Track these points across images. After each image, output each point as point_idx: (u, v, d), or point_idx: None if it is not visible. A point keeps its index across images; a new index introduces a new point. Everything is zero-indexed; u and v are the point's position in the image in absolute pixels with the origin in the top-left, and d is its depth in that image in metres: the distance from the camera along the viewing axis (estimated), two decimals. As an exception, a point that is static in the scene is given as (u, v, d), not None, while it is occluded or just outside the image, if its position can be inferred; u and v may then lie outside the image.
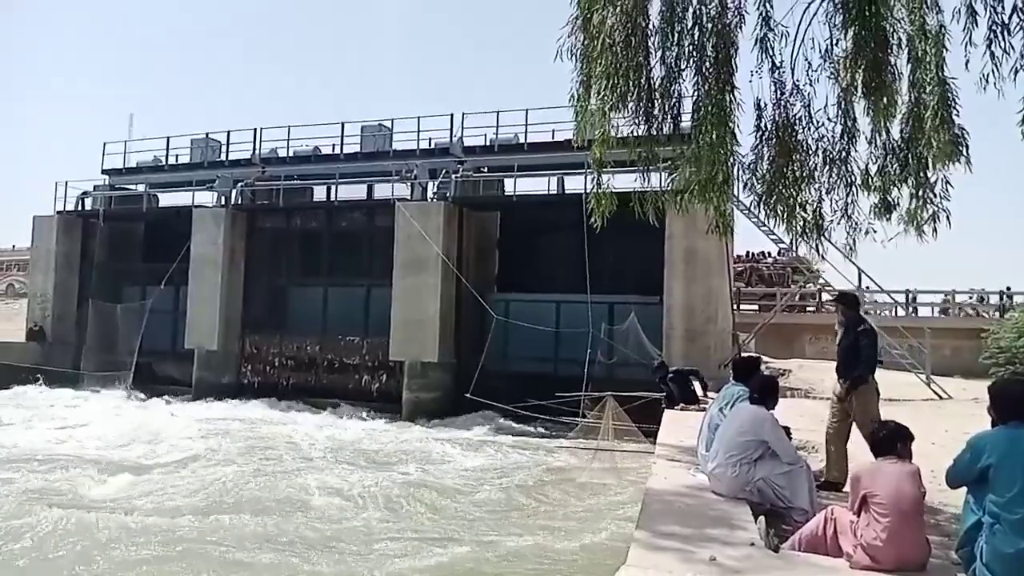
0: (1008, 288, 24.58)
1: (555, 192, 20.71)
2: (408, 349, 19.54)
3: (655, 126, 6.75)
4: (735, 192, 7.07)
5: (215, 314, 22.16)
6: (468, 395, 17.51)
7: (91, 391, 22.04)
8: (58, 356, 24.09)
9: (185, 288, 22.81)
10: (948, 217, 6.19)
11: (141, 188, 26.26)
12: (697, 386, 14.02)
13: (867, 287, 19.78)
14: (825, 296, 22.98)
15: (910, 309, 23.98)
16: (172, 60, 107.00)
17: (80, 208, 25.96)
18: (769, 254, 25.95)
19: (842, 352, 6.77)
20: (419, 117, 22.78)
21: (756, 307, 24.71)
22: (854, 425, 6.55)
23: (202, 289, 22.42)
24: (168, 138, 26.31)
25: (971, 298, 25.20)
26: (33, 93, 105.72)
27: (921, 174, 6.38)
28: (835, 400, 6.80)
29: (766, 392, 5.93)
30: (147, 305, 23.40)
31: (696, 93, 6.32)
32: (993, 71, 5.47)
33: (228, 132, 25.63)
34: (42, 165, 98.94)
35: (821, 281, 26.35)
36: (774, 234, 16.06)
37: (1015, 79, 5.24)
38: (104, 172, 26.70)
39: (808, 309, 25.16)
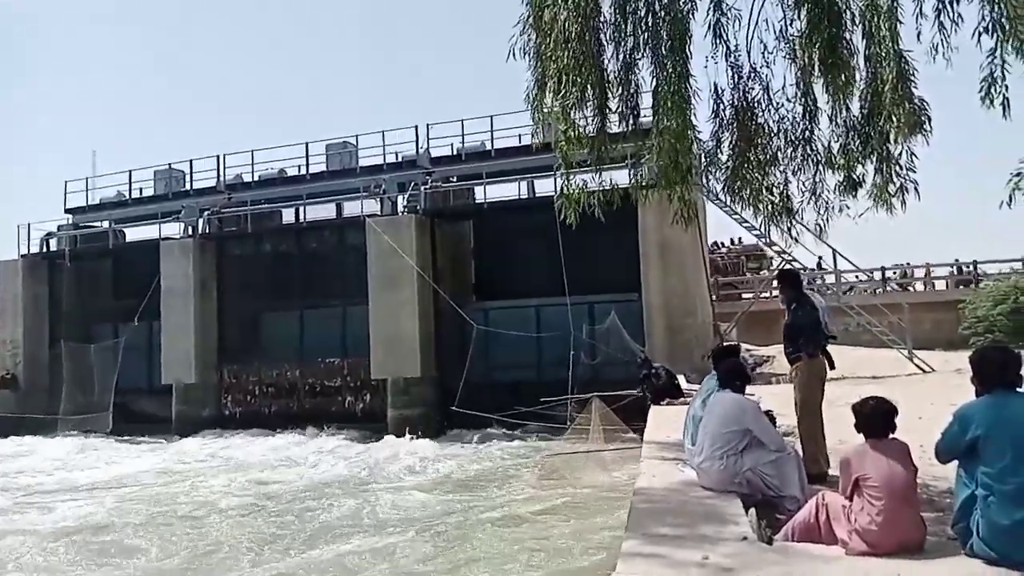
0: (975, 262, 24.72)
1: (526, 196, 20.64)
2: (389, 366, 19.32)
3: (614, 120, 6.64)
4: (701, 180, 6.96)
5: (190, 346, 21.81)
6: (454, 407, 17.33)
7: (68, 435, 21.50)
8: (33, 402, 23.55)
9: (158, 323, 22.45)
10: (916, 188, 6.10)
11: (106, 225, 25.82)
12: (681, 379, 13.96)
13: (840, 267, 19.88)
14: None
15: (887, 286, 24.11)
16: (131, 92, 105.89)
17: (45, 249, 25.49)
18: (723, 244, 26.06)
19: (783, 331, 6.54)
20: (383, 131, 22.65)
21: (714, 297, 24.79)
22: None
23: (175, 322, 22.05)
24: (130, 171, 25.93)
25: (951, 271, 25.35)
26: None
27: (884, 149, 6.31)
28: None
29: (732, 376, 5.81)
30: (120, 343, 23.00)
31: (655, 82, 6.21)
32: (942, 42, 5.43)
33: (191, 161, 25.34)
34: (2, 208, 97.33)
35: (774, 265, 26.67)
36: (745, 221, 16.08)
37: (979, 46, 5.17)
38: (67, 211, 26.24)
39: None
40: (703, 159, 6.59)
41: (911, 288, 24.61)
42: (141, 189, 25.84)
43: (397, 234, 19.53)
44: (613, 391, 14.06)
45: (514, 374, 18.96)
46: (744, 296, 23.09)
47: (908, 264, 25.49)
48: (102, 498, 12.45)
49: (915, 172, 6.04)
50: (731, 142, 6.41)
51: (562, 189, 6.98)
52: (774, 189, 6.62)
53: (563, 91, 6.26)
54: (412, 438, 17.67)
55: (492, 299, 20.39)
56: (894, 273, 25.15)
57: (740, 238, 27.76)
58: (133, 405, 22.83)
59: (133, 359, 22.97)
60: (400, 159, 22.67)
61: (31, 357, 24.37)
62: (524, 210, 20.12)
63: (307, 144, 23.75)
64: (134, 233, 25.96)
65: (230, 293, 22.72)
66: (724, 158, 6.46)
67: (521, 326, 18.99)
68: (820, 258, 21.47)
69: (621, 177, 7.29)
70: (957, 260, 24.75)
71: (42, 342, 24.61)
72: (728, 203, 11.44)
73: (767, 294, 20.90)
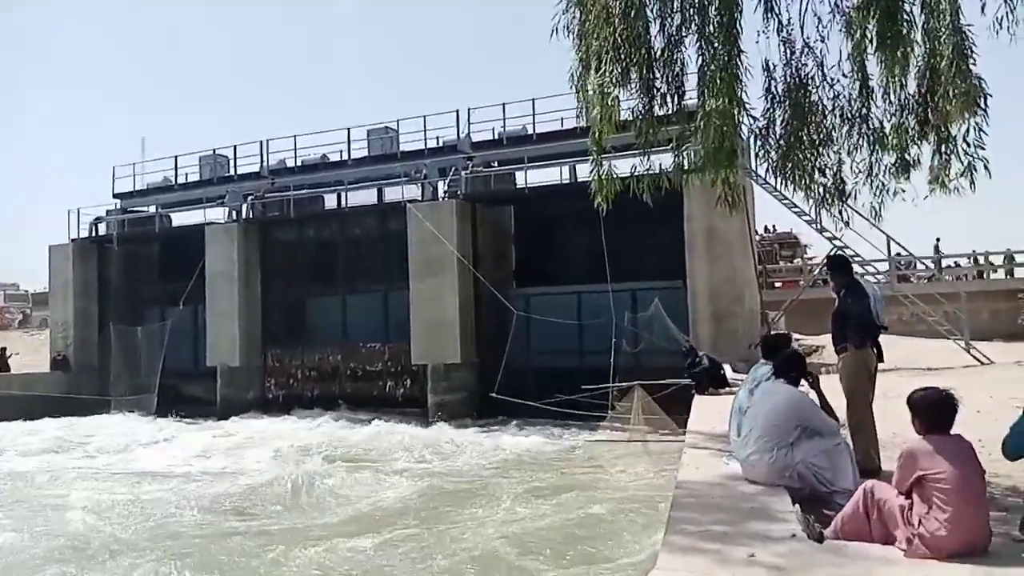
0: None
1: (568, 181, 20.36)
2: (430, 352, 19.31)
3: (658, 101, 6.39)
4: (748, 163, 6.68)
5: (235, 330, 22.10)
6: (493, 394, 17.24)
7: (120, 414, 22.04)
8: (83, 383, 24.18)
9: (203, 306, 22.80)
10: (987, 167, 5.70)
11: (153, 209, 26.30)
12: (727, 368, 13.66)
13: (897, 253, 19.25)
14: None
15: (943, 275, 23.29)
16: (179, 78, 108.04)
17: (94, 234, 26.07)
18: (756, 232, 25.62)
19: (831, 320, 6.24)
20: (425, 116, 22.53)
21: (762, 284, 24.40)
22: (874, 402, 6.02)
23: (220, 306, 22.38)
24: (176, 157, 26.32)
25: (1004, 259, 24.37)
26: (46, 118, 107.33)
27: (943, 128, 5.96)
28: None
29: (790, 366, 5.56)
30: (167, 326, 23.44)
31: (701, 59, 5.94)
32: (1007, 15, 5.11)
33: (235, 147, 25.59)
34: (57, 194, 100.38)
35: (808, 254, 26.13)
36: (794, 205, 15.62)
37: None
38: (115, 196, 26.78)
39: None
40: (753, 139, 6.31)
41: (968, 276, 23.77)
42: (187, 174, 26.25)
43: (438, 219, 19.45)
44: (655, 380, 13.82)
45: (555, 361, 18.77)
46: (776, 285, 22.66)
47: (974, 252, 24.51)
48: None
49: (984, 148, 5.67)
50: (783, 121, 6.12)
51: (595, 174, 6.76)
52: (827, 170, 6.32)
53: (607, 69, 6.04)
54: (451, 424, 17.67)
55: (533, 285, 20.19)
56: (954, 262, 24.28)
57: (774, 225, 27.26)
58: (179, 387, 23.27)
59: (179, 342, 23.43)
60: (441, 144, 22.57)
61: (81, 339, 25.00)
62: (566, 195, 19.81)
63: (349, 129, 23.83)
64: (180, 218, 26.41)
65: (273, 277, 22.95)
66: (776, 138, 6.17)
67: (562, 313, 18.78)
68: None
69: (665, 161, 7.05)
70: (1008, 249, 23.73)
71: (92, 325, 25.21)
72: (777, 186, 11.05)
73: (803, 282, 20.46)
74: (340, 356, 21.56)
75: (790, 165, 6.08)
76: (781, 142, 6.08)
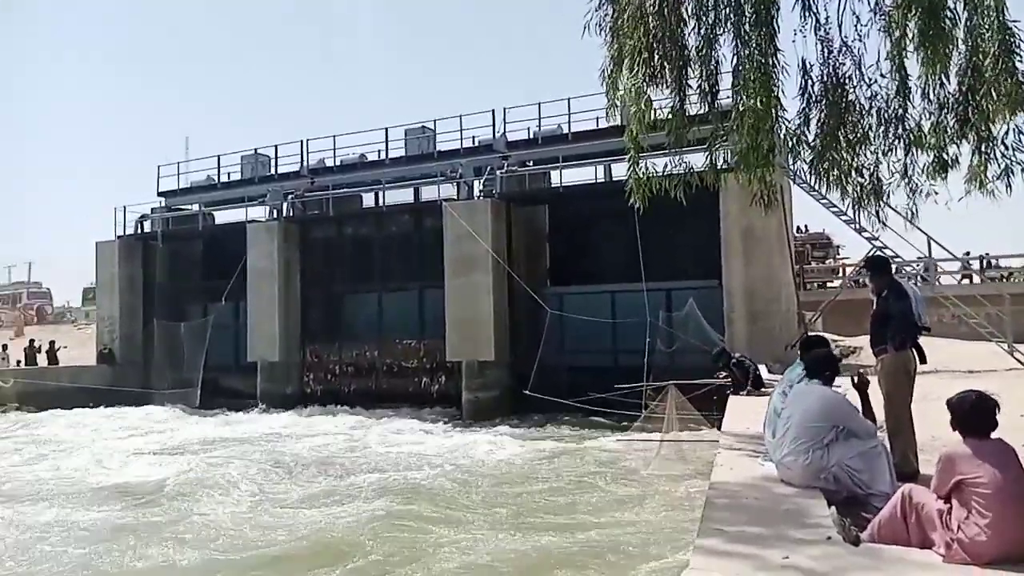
0: None
1: (603, 180, 20.31)
2: (464, 349, 19.43)
3: (691, 100, 6.38)
4: (786, 161, 6.62)
5: (275, 326, 22.49)
6: (527, 391, 17.29)
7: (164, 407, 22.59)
8: (128, 376, 24.80)
9: (244, 302, 23.23)
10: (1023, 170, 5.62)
11: (196, 208, 26.84)
12: (762, 369, 13.52)
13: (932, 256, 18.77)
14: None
15: (987, 276, 22.71)
16: (222, 80, 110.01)
17: (139, 231, 26.70)
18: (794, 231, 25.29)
19: (871, 321, 6.10)
20: (461, 115, 22.64)
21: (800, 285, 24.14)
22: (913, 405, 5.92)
23: (261, 302, 22.78)
24: (219, 156, 26.82)
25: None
26: (88, 120, 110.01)
27: (983, 128, 5.85)
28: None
29: (822, 366, 5.50)
30: (209, 321, 23.92)
31: (736, 58, 5.93)
32: None
33: (276, 146, 25.97)
34: (101, 193, 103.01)
35: (840, 255, 25.69)
36: (832, 204, 15.39)
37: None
38: (160, 194, 27.37)
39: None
40: (789, 139, 6.27)
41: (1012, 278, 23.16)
42: (229, 173, 26.72)
43: (473, 218, 19.56)
44: (690, 380, 13.73)
45: (588, 360, 18.76)
46: (807, 286, 22.34)
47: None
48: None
49: (1023, 152, 5.57)
50: (819, 120, 6.07)
51: (631, 173, 6.76)
52: (863, 170, 6.26)
53: (640, 68, 6.05)
54: (482, 422, 17.79)
55: (567, 284, 20.20)
56: (995, 261, 23.70)
57: (806, 225, 26.86)
58: (221, 381, 23.74)
59: (220, 337, 23.90)
60: (477, 143, 22.65)
61: (126, 334, 25.62)
62: (600, 194, 19.79)
63: (387, 129, 24.03)
64: (222, 216, 26.92)
65: (312, 274, 23.29)
66: (811, 137, 6.12)
67: (596, 311, 18.75)
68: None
69: (700, 160, 7.02)
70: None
71: (137, 319, 25.84)
72: (814, 186, 10.93)
73: (836, 284, 20.10)
74: (377, 352, 21.82)
75: (826, 164, 6.04)
76: (817, 141, 6.04)
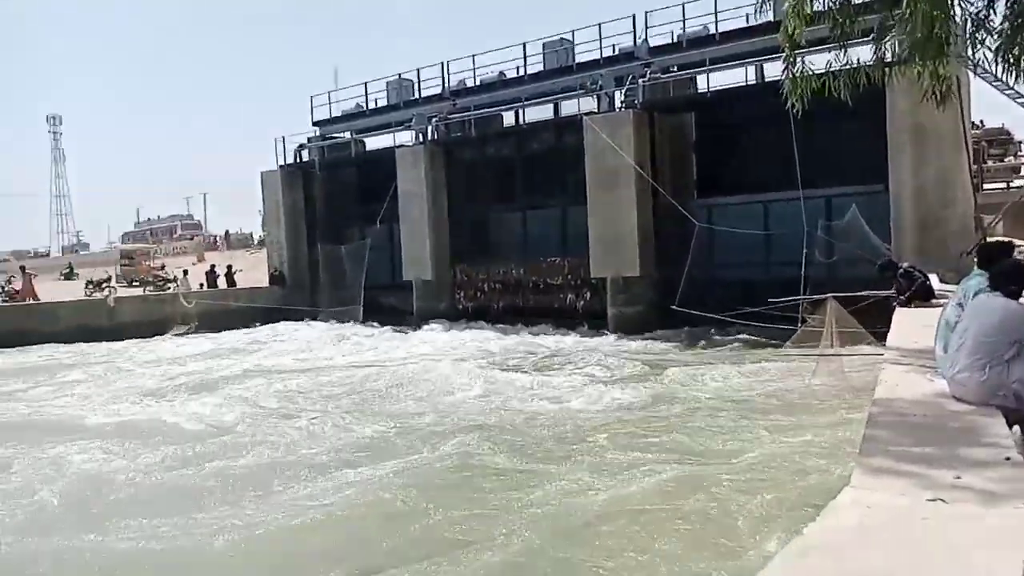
0: None
1: (754, 82, 19.09)
2: (608, 265, 19.37)
3: None
4: (964, 51, 5.91)
5: (426, 247, 23.40)
6: (674, 307, 17.06)
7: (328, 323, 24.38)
8: (297, 296, 26.90)
9: (397, 225, 24.23)
10: None
11: (348, 135, 27.97)
12: (934, 279, 12.54)
13: None
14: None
15: None
16: (371, 10, 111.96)
17: (298, 160, 28.25)
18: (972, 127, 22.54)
19: None
20: (600, 24, 21.90)
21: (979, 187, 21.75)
22: None
23: (411, 224, 23.71)
24: (366, 83, 27.67)
25: None
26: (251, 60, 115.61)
27: None
28: None
29: (1010, 279, 5.01)
30: (367, 244, 25.25)
31: (909, -64, 5.28)
32: None
33: (418, 70, 26.42)
34: (262, 124, 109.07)
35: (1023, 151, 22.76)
36: (1020, 95, 13.73)
37: None
38: (314, 124, 28.72)
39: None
40: (969, 25, 5.58)
41: None
42: (376, 100, 27.55)
43: (614, 131, 19.08)
44: (851, 292, 12.99)
45: (739, 273, 18.15)
46: (984, 187, 20.10)
47: None
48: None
49: None
50: (1008, 2, 5.35)
51: (788, 72, 6.27)
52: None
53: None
54: (630, 336, 17.84)
55: (716, 195, 19.42)
56: None
57: (982, 121, 24.04)
58: (378, 298, 25.15)
59: (377, 258, 25.25)
60: (617, 52, 21.91)
61: (293, 257, 27.69)
62: (751, 97, 18.63)
63: (524, 44, 23.74)
64: (372, 142, 27.93)
65: (459, 196, 23.84)
66: (998, 22, 5.42)
67: (748, 223, 17.97)
68: None
69: (864, 54, 6.41)
70: None
71: (301, 243, 27.76)
72: (1000, 76, 9.75)
73: (1018, 184, 17.97)
74: (522, 270, 22.22)
75: (1016, 50, 5.34)
76: (1006, 24, 5.33)
